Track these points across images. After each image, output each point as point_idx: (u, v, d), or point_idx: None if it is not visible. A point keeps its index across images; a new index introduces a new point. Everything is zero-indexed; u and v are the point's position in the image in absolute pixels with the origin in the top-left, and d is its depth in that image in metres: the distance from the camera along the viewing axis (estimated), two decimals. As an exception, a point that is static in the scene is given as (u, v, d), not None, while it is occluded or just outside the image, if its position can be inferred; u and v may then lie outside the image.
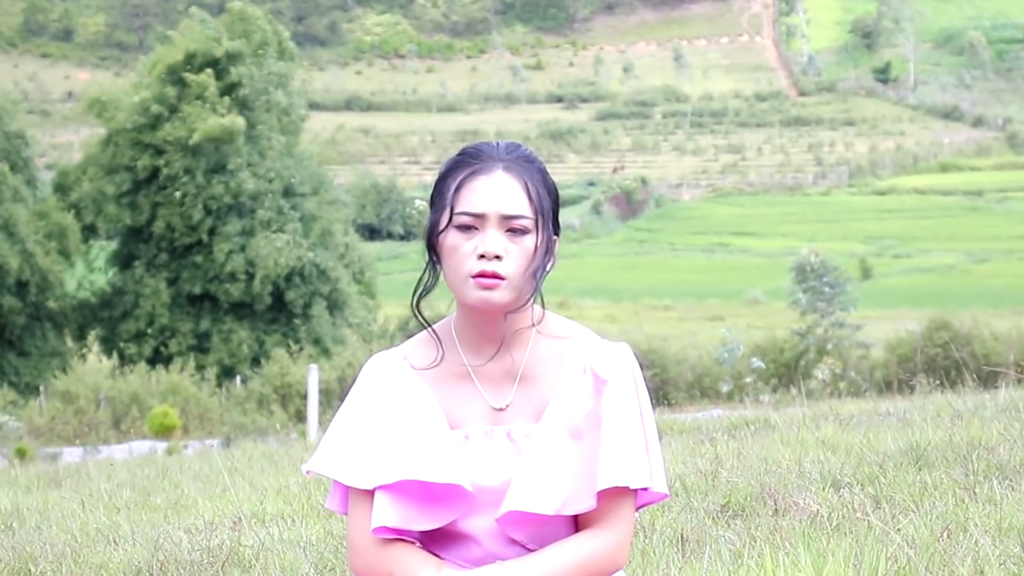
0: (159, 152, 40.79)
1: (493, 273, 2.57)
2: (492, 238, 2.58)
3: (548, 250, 2.64)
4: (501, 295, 2.58)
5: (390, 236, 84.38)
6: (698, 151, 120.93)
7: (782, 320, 42.13)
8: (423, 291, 2.71)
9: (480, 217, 2.59)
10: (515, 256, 2.59)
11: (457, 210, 2.60)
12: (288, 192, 42.06)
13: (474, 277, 2.58)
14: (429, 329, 2.74)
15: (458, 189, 2.62)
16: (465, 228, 2.60)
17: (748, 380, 29.71)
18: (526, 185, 2.63)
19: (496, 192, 2.61)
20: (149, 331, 40.28)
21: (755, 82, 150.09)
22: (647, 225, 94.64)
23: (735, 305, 59.37)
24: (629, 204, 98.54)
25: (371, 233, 79.96)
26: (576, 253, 77.63)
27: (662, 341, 35.56)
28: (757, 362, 30.75)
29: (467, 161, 2.66)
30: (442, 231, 2.64)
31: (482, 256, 2.57)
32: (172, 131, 40.35)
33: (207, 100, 40.48)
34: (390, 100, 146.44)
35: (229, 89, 41.38)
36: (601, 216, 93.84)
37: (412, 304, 2.70)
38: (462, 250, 2.60)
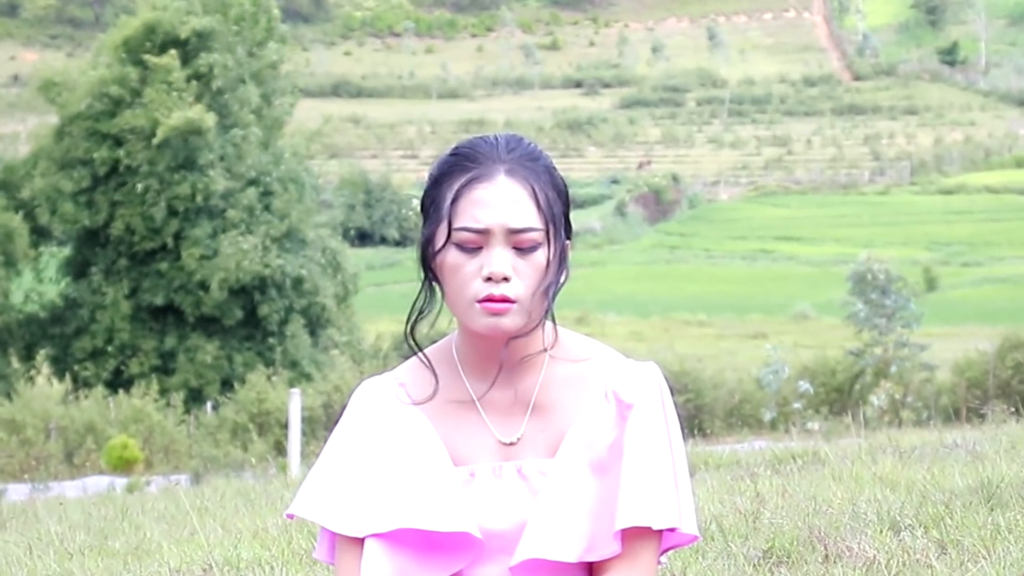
0: (118, 143, 40.86)
1: (502, 297, 2.56)
2: (499, 257, 2.57)
3: (561, 262, 2.64)
4: (512, 320, 2.58)
5: (384, 241, 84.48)
6: (737, 144, 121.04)
7: (834, 338, 42.13)
8: (419, 316, 2.71)
9: (484, 233, 2.58)
10: (525, 275, 2.58)
11: (456, 225, 2.59)
12: (265, 192, 42.06)
13: (480, 302, 2.58)
14: (422, 355, 2.73)
15: (455, 200, 2.60)
16: (467, 246, 2.59)
17: (795, 407, 29.79)
18: (533, 191, 2.61)
19: (500, 203, 2.59)
20: (108, 349, 40.33)
21: (803, 64, 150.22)
22: (679, 229, 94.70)
23: (780, 320, 59.41)
24: (658, 205, 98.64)
25: (362, 238, 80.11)
26: (597, 261, 77.70)
27: (696, 362, 35.60)
28: (805, 386, 30.84)
29: (463, 164, 2.64)
30: (440, 250, 2.63)
31: (488, 278, 2.56)
32: (132, 119, 40.43)
33: (172, 85, 40.54)
34: (384, 85, 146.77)
35: (199, 74, 41.42)
36: (626, 219, 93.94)
37: (406, 332, 2.70)
38: (465, 271, 2.59)
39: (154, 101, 40.26)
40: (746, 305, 63.51)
